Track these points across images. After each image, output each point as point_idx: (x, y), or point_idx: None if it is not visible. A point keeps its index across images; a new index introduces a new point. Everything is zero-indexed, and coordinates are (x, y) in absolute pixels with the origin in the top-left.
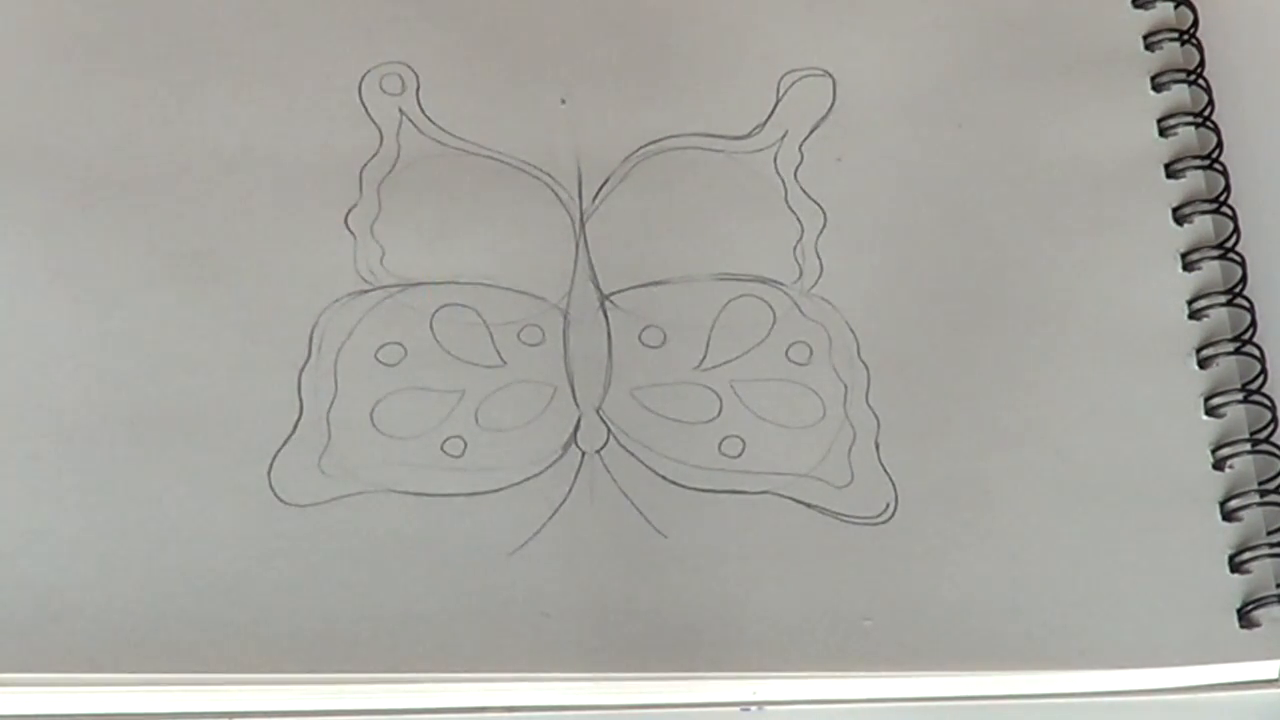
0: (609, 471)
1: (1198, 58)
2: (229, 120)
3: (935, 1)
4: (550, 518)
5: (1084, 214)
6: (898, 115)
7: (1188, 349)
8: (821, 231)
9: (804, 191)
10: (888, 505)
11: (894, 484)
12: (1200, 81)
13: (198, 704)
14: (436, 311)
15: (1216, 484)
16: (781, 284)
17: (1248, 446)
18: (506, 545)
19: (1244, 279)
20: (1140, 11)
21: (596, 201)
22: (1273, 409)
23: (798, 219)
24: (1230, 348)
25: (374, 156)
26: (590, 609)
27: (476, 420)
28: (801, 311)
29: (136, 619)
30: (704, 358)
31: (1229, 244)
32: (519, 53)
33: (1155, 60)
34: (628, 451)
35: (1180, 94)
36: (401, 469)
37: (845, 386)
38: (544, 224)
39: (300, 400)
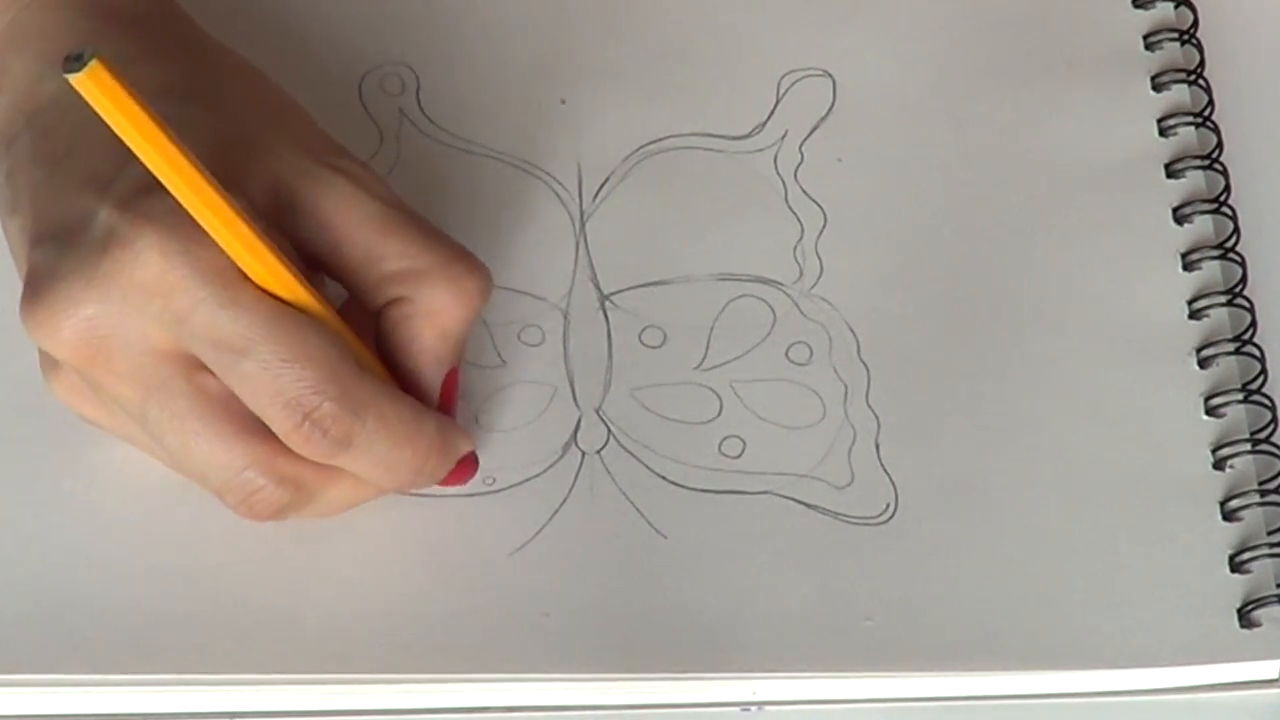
0: (609, 472)
1: (1198, 58)
2: None
3: (935, 1)
4: (550, 518)
5: (1084, 214)
6: (898, 115)
7: (1188, 349)
8: (821, 231)
9: (804, 191)
10: (888, 505)
11: (894, 484)
12: (1200, 81)
13: (198, 704)
14: None
15: (1216, 484)
16: (781, 284)
17: (1248, 446)
18: (506, 545)
19: (1244, 279)
20: (1140, 11)
21: (596, 201)
22: (1273, 409)
23: (798, 219)
24: (1230, 348)
25: (374, 156)
26: (590, 609)
27: (476, 421)
28: (801, 311)
29: (136, 619)
30: (704, 358)
31: (1229, 244)
32: (519, 53)
33: (1155, 60)
34: (628, 452)
35: (1180, 94)
36: None
37: (845, 386)
38: (544, 224)
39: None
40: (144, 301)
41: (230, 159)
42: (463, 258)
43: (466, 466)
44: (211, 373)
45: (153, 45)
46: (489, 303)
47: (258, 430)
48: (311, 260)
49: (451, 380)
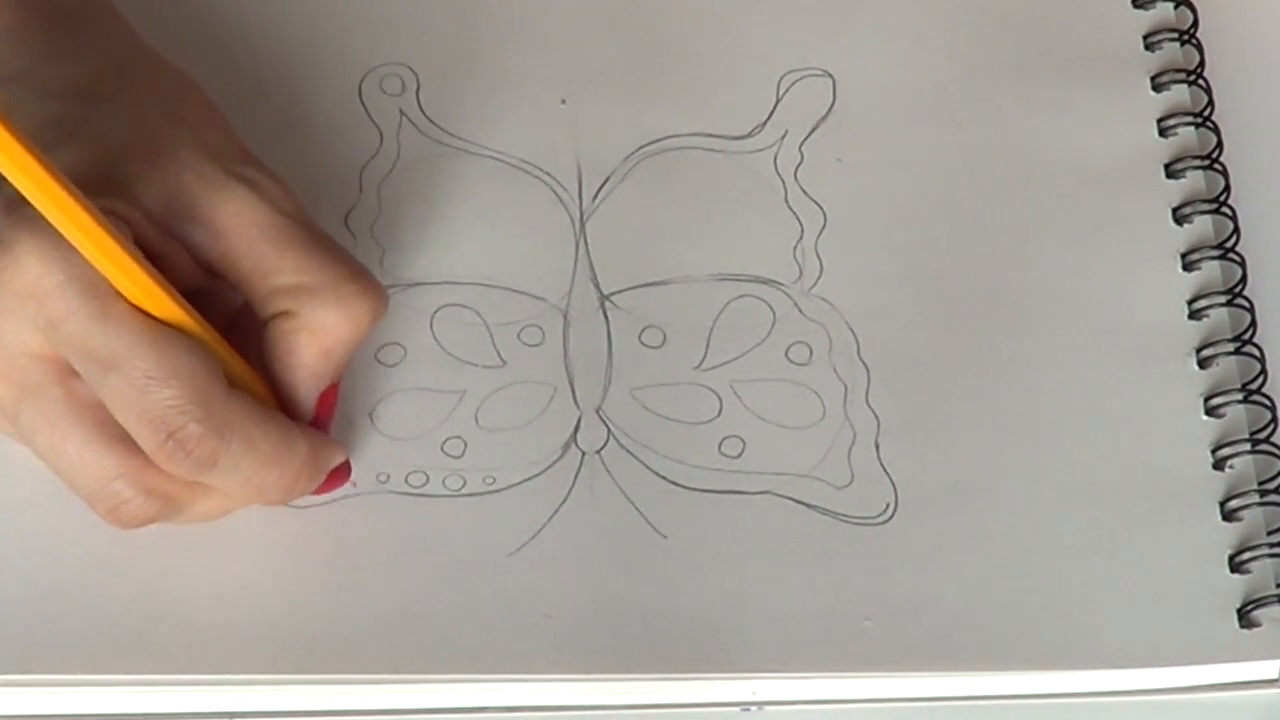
0: (609, 472)
1: (1198, 58)
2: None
3: (935, 1)
4: (550, 518)
5: (1084, 214)
6: (898, 115)
7: (1188, 349)
8: (821, 231)
9: (804, 191)
10: (888, 505)
11: (894, 484)
12: (1200, 81)
13: (198, 704)
14: (436, 312)
15: (1216, 484)
16: (781, 284)
17: (1248, 446)
18: (506, 545)
19: (1244, 279)
20: (1140, 11)
21: (596, 201)
22: (1273, 409)
23: (798, 219)
24: (1230, 348)
25: (374, 156)
26: (590, 609)
27: (476, 420)
28: (801, 311)
29: (136, 619)
30: (704, 358)
31: (1229, 244)
32: (519, 53)
33: (1155, 60)
34: (628, 452)
35: (1180, 94)
36: (401, 469)
37: (845, 386)
38: (544, 224)
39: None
40: (20, 305)
41: (125, 162)
42: (356, 279)
43: (339, 475)
44: None
45: (70, 42)
46: (489, 303)
47: (128, 441)
48: (208, 267)
49: (329, 395)
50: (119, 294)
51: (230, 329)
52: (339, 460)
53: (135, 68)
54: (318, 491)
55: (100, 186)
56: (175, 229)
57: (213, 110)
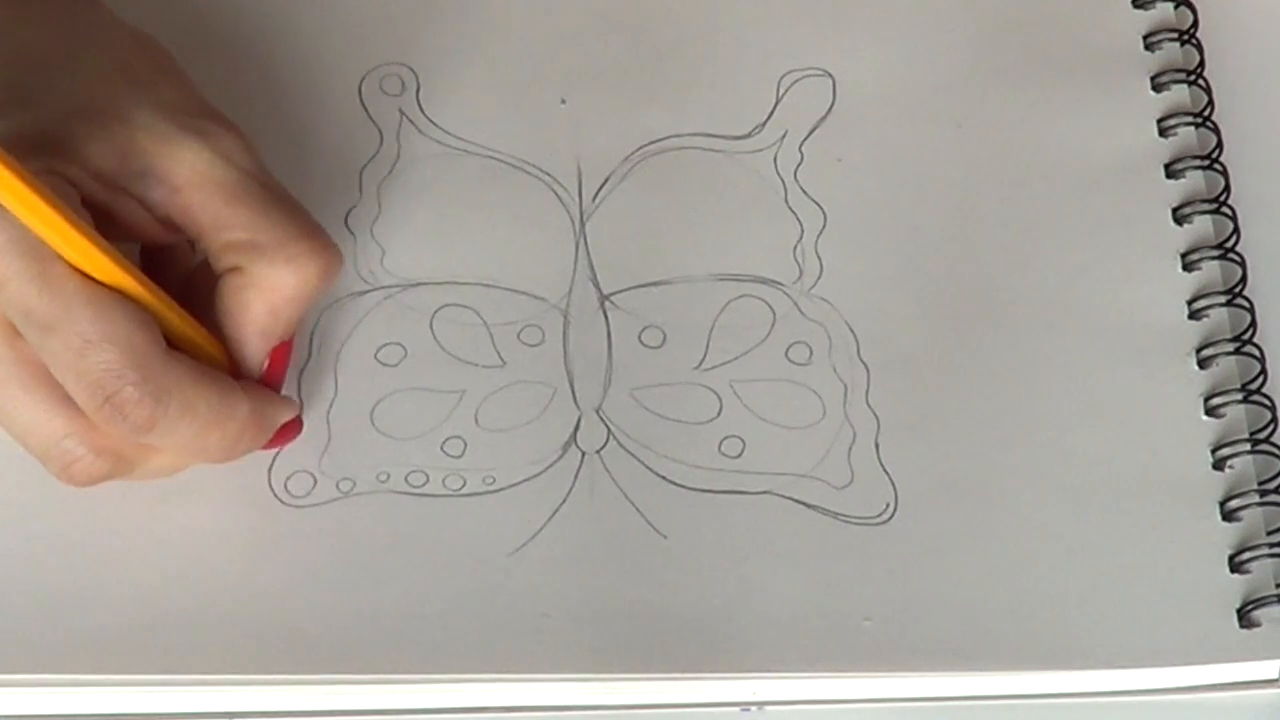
0: (609, 472)
1: (1198, 58)
2: None
3: (935, 1)
4: (550, 518)
5: (1084, 214)
6: (898, 115)
7: (1188, 349)
8: (821, 231)
9: (804, 191)
10: (888, 505)
11: (894, 484)
12: (1200, 81)
13: (198, 704)
14: (436, 312)
15: (1216, 484)
16: (781, 284)
17: (1248, 446)
18: (506, 545)
19: (1244, 279)
20: (1140, 11)
21: (596, 201)
22: (1273, 409)
23: (798, 219)
24: (1230, 348)
25: (374, 157)
26: (590, 609)
27: (476, 420)
28: (801, 311)
29: (136, 619)
30: (704, 358)
31: (1229, 244)
32: (519, 53)
33: (1155, 60)
34: (628, 452)
35: (1180, 94)
36: (401, 469)
37: (845, 386)
38: (544, 224)
39: (300, 401)
40: None
41: (73, 124)
42: (308, 237)
43: (289, 429)
44: None
45: (22, 12)
46: (489, 302)
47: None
48: (168, 222)
49: (281, 352)
50: (58, 257)
51: (188, 285)
52: (287, 416)
53: (91, 33)
54: (267, 447)
55: (46, 148)
56: (131, 187)
57: (172, 68)
